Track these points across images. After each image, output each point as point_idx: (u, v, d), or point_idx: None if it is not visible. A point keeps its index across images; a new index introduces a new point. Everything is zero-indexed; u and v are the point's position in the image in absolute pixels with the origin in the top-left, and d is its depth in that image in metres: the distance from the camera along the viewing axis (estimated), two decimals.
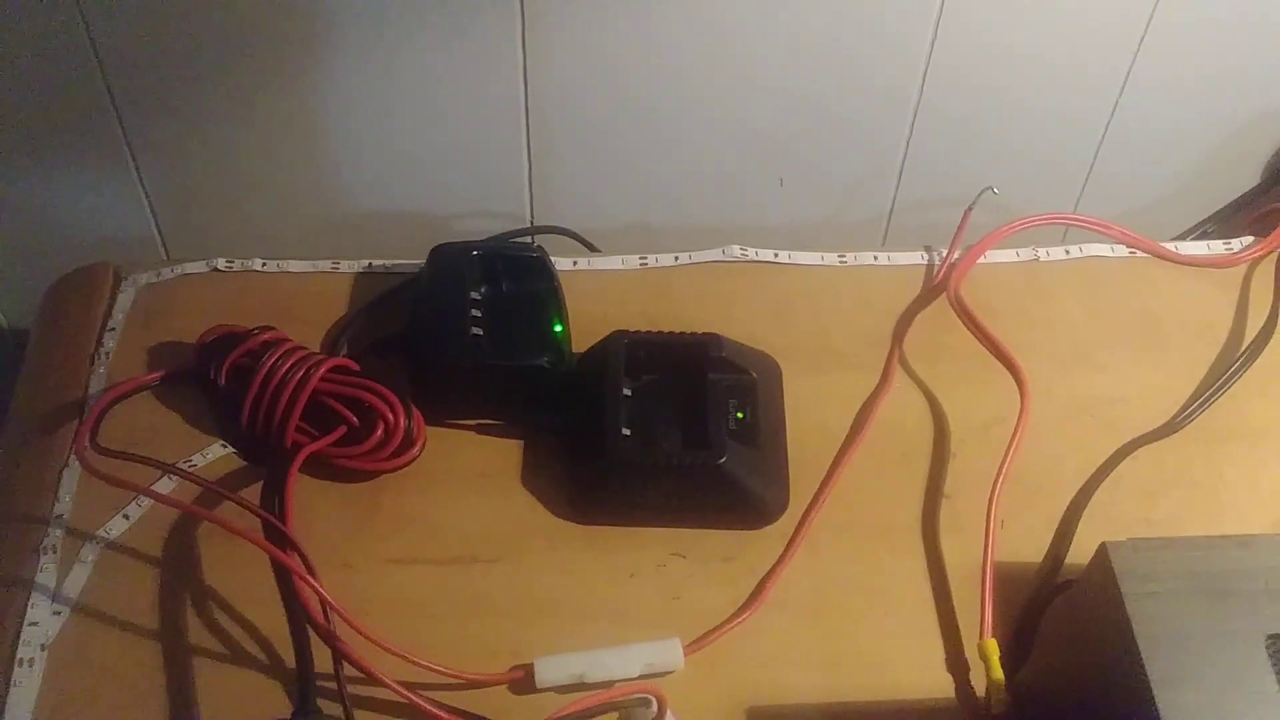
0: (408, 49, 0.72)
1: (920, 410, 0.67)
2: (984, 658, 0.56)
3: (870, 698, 0.57)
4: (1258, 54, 0.77)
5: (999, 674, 0.55)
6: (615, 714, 0.52)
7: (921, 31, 0.74)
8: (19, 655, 0.56)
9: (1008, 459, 0.61)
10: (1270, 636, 0.43)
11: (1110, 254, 0.74)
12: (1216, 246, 0.75)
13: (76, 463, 0.62)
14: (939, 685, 0.57)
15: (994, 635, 0.57)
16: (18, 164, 0.77)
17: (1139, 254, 0.74)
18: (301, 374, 0.62)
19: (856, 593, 0.60)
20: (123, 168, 0.77)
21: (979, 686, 0.57)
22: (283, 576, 0.54)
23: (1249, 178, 0.84)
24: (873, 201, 0.84)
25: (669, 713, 0.50)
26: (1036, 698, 0.54)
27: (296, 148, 0.77)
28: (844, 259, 0.74)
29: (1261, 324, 0.70)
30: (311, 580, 0.54)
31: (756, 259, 0.73)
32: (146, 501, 0.61)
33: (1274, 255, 0.74)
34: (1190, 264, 0.74)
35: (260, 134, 0.76)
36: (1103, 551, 0.46)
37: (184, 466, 0.62)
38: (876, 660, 0.58)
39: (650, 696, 0.49)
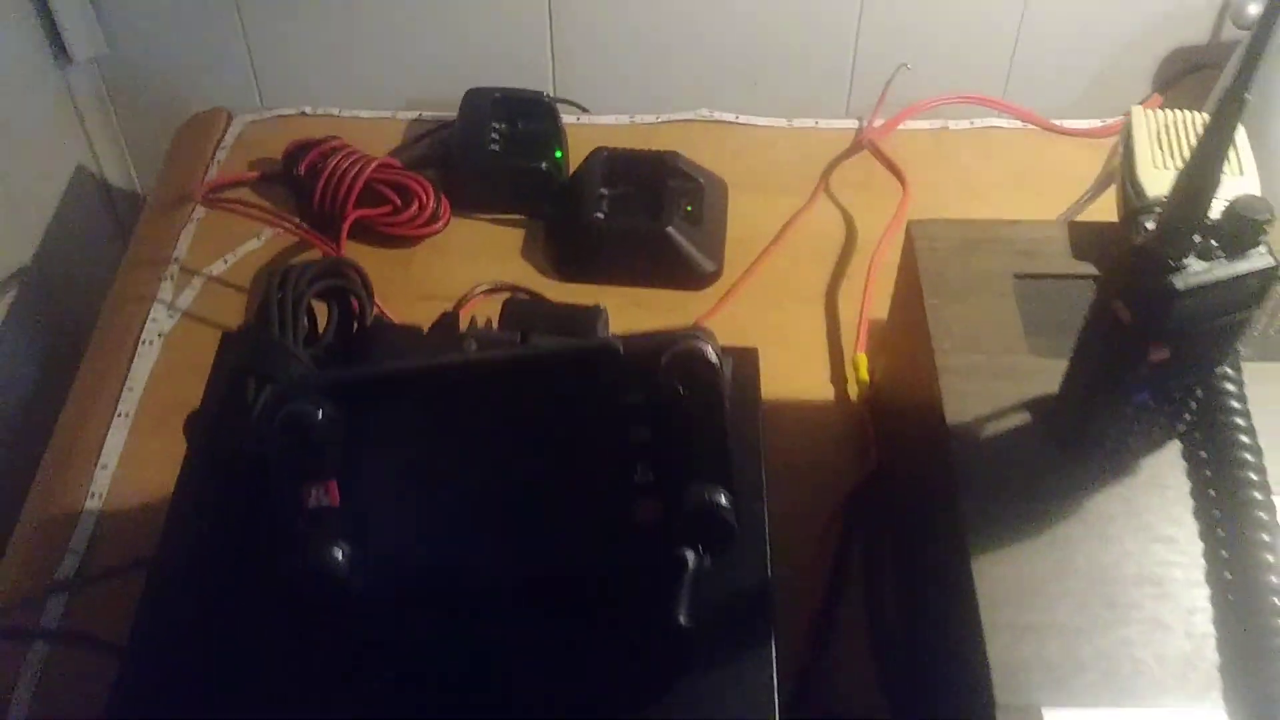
0: None
1: (835, 220, 0.86)
2: (855, 367, 0.74)
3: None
4: None
5: (865, 375, 0.73)
6: None
7: None
8: (143, 337, 0.77)
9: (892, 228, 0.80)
10: (1017, 275, 0.61)
11: (1005, 126, 0.93)
12: (1093, 122, 0.93)
13: (191, 227, 0.84)
14: (824, 390, 0.75)
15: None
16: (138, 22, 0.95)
17: (1030, 126, 0.92)
18: (360, 165, 0.83)
19: (770, 332, 0.78)
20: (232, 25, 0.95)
21: (853, 392, 0.75)
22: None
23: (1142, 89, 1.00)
24: (830, 102, 1.02)
25: None
26: (883, 393, 0.72)
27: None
28: (790, 122, 0.93)
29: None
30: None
31: (720, 119, 0.93)
32: (242, 249, 0.83)
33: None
34: (1069, 134, 0.92)
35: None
36: (909, 230, 0.64)
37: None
38: (779, 375, 0.75)
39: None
